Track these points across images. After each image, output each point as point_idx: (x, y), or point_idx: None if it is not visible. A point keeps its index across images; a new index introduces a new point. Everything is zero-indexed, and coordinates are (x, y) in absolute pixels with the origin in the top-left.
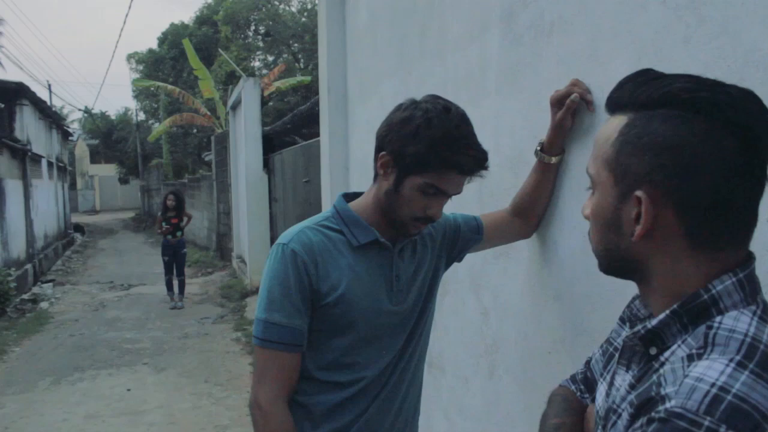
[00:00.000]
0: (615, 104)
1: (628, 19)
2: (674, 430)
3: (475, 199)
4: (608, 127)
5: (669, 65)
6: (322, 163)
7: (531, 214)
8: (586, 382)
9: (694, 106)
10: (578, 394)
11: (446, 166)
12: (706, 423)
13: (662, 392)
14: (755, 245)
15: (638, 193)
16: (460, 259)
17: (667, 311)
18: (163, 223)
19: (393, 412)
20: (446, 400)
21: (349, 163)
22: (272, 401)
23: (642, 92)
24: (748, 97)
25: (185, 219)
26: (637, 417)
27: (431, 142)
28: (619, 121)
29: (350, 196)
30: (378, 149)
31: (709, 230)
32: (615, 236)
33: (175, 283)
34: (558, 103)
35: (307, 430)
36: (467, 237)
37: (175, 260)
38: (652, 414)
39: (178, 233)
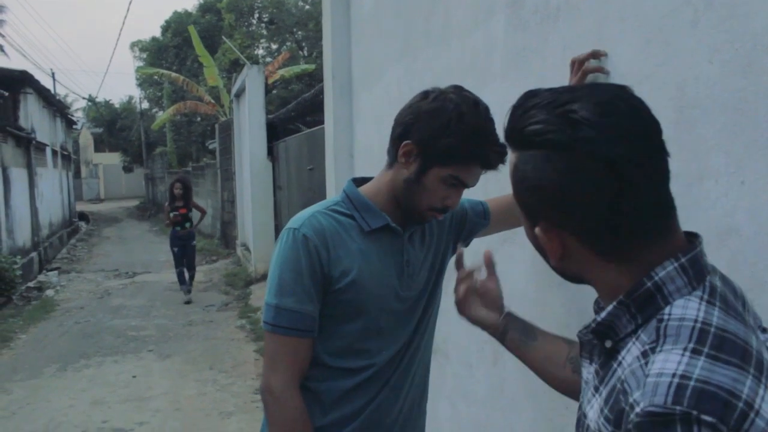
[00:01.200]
0: (506, 138)
1: (634, 2)
2: (651, 428)
3: (480, 184)
4: (508, 162)
5: (676, 49)
6: (326, 150)
7: None
8: None
9: (549, 146)
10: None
11: (473, 159)
12: (678, 411)
13: (630, 400)
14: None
15: (536, 229)
16: (466, 245)
17: (614, 302)
18: (171, 213)
19: (401, 398)
20: (451, 386)
21: (353, 149)
22: (285, 387)
23: (515, 131)
24: (597, 117)
25: (199, 214)
26: None
27: (463, 137)
28: (511, 158)
29: (359, 182)
30: (401, 136)
31: (616, 245)
32: (546, 258)
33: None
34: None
35: (317, 416)
36: (474, 222)
37: (184, 253)
38: (629, 426)
39: (187, 224)
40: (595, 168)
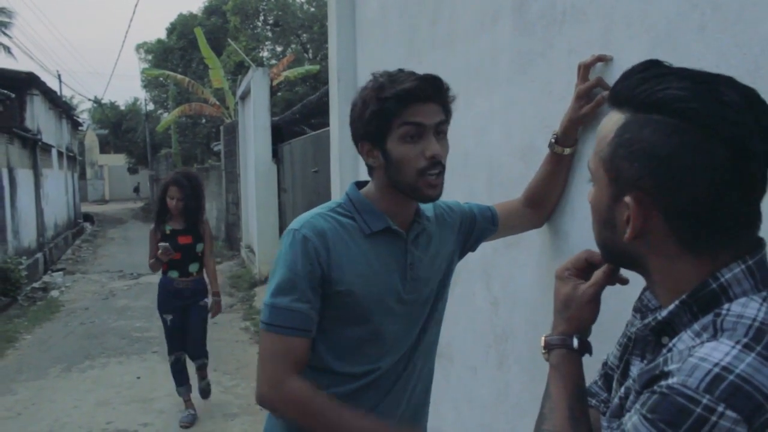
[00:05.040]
0: (615, 99)
1: (641, 7)
2: (672, 405)
3: (485, 188)
4: (608, 123)
5: (684, 54)
6: (331, 152)
7: (544, 204)
8: (603, 385)
9: (686, 115)
10: (601, 406)
11: (401, 102)
12: (705, 401)
13: (665, 369)
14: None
15: (627, 198)
16: (474, 249)
17: (677, 302)
18: (162, 244)
19: (404, 403)
20: (455, 390)
21: None
22: (284, 377)
23: (640, 93)
24: (744, 104)
25: (204, 235)
26: (642, 393)
27: (375, 97)
28: (617, 118)
29: (362, 185)
30: (358, 147)
31: (700, 235)
32: (610, 233)
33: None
34: (585, 95)
35: None
36: (482, 227)
37: (185, 326)
38: (655, 387)
39: (193, 267)
40: (725, 152)
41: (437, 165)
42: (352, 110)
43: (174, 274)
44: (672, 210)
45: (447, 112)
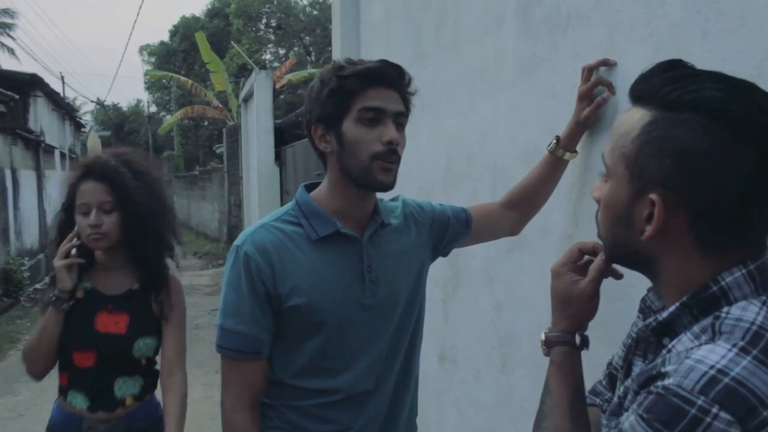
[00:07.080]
0: (639, 96)
1: (645, 12)
2: (668, 406)
3: (489, 192)
4: (629, 118)
5: (686, 59)
6: None
7: (529, 208)
8: (608, 384)
9: (721, 116)
10: (605, 405)
11: (361, 81)
12: (699, 402)
13: (663, 370)
14: None
15: (652, 196)
16: (445, 254)
17: (677, 303)
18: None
19: (383, 415)
20: (458, 392)
21: None
22: (232, 410)
23: (670, 91)
24: None
25: (168, 310)
26: (639, 393)
27: (334, 75)
28: (641, 115)
29: (313, 187)
30: (309, 133)
31: (720, 237)
32: (625, 231)
33: None
34: (587, 97)
35: None
36: (456, 230)
37: None
38: (651, 388)
39: (125, 389)
40: (755, 154)
41: (393, 153)
42: (309, 92)
43: (78, 401)
44: (696, 210)
45: (407, 105)
